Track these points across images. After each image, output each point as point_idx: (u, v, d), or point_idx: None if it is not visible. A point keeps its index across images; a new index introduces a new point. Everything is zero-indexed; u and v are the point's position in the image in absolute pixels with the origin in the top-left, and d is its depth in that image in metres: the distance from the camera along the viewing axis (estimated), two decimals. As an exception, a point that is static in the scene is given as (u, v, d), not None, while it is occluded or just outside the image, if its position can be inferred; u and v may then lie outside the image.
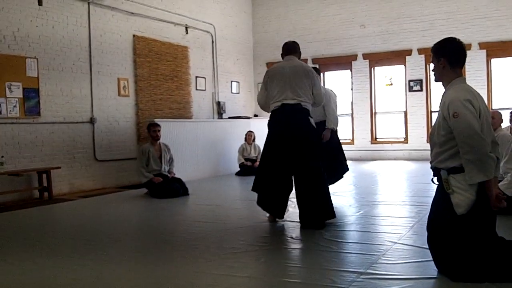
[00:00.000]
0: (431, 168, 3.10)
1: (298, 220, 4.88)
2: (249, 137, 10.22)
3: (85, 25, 8.55)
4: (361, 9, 12.37)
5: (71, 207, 6.68)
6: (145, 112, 9.63)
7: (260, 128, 9.47)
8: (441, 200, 2.95)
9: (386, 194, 6.91)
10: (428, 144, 3.27)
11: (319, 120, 6.75)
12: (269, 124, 4.99)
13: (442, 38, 3.20)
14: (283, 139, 4.81)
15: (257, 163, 9.87)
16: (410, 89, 11.91)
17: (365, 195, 6.78)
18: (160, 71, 10.12)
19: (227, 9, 12.56)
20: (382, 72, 12.51)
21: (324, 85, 6.98)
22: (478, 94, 3.00)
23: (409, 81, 11.91)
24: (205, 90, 11.59)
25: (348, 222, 5.05)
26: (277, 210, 4.97)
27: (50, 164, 7.83)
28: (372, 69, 12.45)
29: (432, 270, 3.13)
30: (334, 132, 6.75)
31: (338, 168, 6.90)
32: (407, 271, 3.23)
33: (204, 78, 11.57)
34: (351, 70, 12.65)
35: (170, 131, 8.82)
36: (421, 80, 11.78)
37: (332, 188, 6.98)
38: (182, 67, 10.79)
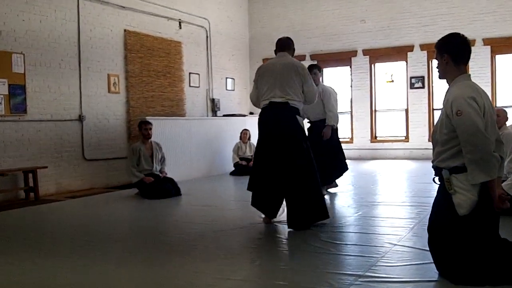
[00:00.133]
0: (432, 167, 3.09)
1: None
2: (244, 135, 10.21)
3: (74, 19, 8.51)
4: (361, 4, 12.37)
5: (58, 208, 6.65)
6: (136, 109, 9.60)
7: (256, 126, 9.42)
8: (443, 200, 2.95)
9: (385, 194, 6.92)
10: (430, 143, 3.27)
11: (319, 118, 6.76)
12: (258, 123, 5.06)
13: (445, 33, 3.19)
14: (271, 137, 4.86)
15: (252, 162, 9.88)
16: (412, 86, 11.92)
17: (364, 195, 6.78)
18: (152, 67, 10.09)
19: (222, 3, 12.54)
20: (382, 69, 12.52)
21: (323, 82, 6.96)
22: (483, 91, 3.00)
23: (411, 78, 11.92)
24: (199, 87, 11.56)
25: (346, 223, 5.04)
26: (270, 209, 4.99)
27: (36, 163, 7.79)
28: (373, 65, 12.45)
29: (432, 272, 3.12)
30: (334, 130, 6.76)
31: (337, 167, 6.92)
32: (407, 274, 3.22)
33: (198, 74, 11.55)
34: (350, 67, 12.65)
35: (162, 129, 8.79)
36: (423, 77, 11.80)
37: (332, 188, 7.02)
38: (175, 63, 10.77)
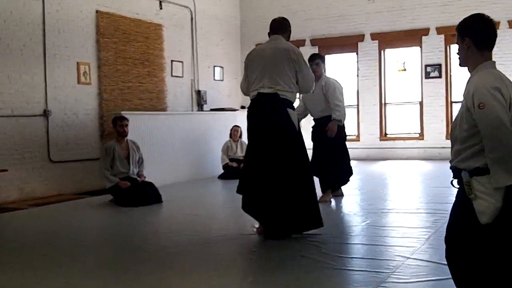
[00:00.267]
0: (450, 168, 3.09)
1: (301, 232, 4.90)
2: (235, 133, 10.19)
3: (37, -1, 8.46)
4: (369, -19, 12.41)
5: (20, 217, 6.61)
6: (110, 103, 9.56)
7: (248, 122, 9.45)
8: (462, 207, 2.94)
9: (397, 200, 6.93)
10: (448, 141, 3.27)
11: (322, 116, 6.74)
12: (246, 117, 5.09)
13: (465, 15, 3.18)
14: (259, 134, 4.88)
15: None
16: (427, 75, 11.95)
17: (373, 201, 6.78)
18: (129, 54, 10.05)
19: (209, -20, 12.52)
20: (393, 56, 12.53)
21: (325, 72, 6.94)
22: (509, 81, 2.99)
23: (426, 66, 11.95)
24: (182, 76, 11.53)
25: (351, 234, 5.04)
26: (262, 215, 4.96)
27: (-5, 165, 7.74)
28: (382, 51, 12.46)
29: (451, 290, 3.13)
30: (341, 127, 6.73)
31: (345, 170, 6.89)
32: (421, 292, 3.23)
33: (181, 62, 11.51)
34: (357, 53, 12.65)
35: (140, 126, 8.75)
36: (439, 65, 11.82)
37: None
38: (155, 49, 10.73)
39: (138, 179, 7.45)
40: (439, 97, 11.86)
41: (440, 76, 11.83)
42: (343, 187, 7.13)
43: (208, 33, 12.42)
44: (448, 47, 11.74)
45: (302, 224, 4.81)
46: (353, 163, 7.23)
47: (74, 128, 8.93)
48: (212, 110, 11.57)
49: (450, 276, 3.13)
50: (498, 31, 3.14)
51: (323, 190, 6.82)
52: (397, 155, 12.24)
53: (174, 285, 3.53)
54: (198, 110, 11.80)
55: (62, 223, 6.17)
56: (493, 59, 2.99)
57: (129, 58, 10.07)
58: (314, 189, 4.95)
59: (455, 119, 3.06)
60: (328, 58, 12.79)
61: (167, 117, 9.61)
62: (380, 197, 7.20)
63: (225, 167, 9.93)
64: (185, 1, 11.64)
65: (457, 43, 3.07)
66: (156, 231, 5.54)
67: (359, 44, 12.57)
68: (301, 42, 12.66)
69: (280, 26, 5.14)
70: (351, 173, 7.05)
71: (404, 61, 12.44)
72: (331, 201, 6.66)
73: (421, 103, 12.14)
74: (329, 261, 3.99)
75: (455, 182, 3.05)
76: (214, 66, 12.67)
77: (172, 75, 11.21)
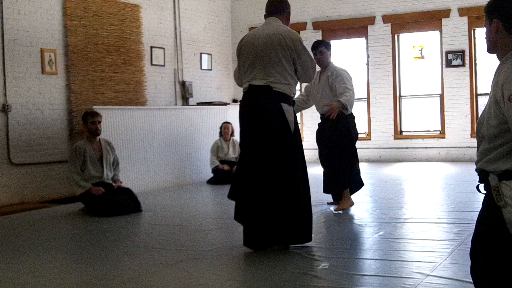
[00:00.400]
0: (476, 171, 3.09)
1: (287, 245, 4.94)
2: (226, 130, 10.19)
3: (-6, -25, 8.44)
4: (380, -46, 12.45)
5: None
6: (81, 96, 9.55)
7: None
8: (490, 216, 2.94)
9: (414, 208, 6.94)
10: (474, 140, 3.27)
11: (327, 111, 6.71)
12: (238, 113, 5.11)
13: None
14: (249, 132, 4.94)
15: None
16: (448, 63, 11.99)
17: (386, 210, 6.79)
18: (101, 40, 10.03)
19: (195, -47, 12.52)
20: (409, 41, 12.56)
21: (330, 59, 6.91)
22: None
23: (447, 53, 11.99)
24: (164, 65, 11.52)
25: (362, 247, 5.04)
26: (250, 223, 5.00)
27: None
28: (396, 36, 12.49)
29: (477, 312, 3.14)
30: (349, 126, 6.70)
31: (357, 175, 6.89)
32: (443, 315, 3.24)
33: (163, 49, 11.50)
34: (366, 39, 12.68)
35: (115, 123, 8.76)
36: (463, 52, 11.86)
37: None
38: (132, 33, 10.71)
39: (114, 184, 7.45)
40: (462, 88, 11.90)
41: (463, 65, 11.87)
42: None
43: (193, 15, 12.41)
44: (472, 31, 11.78)
45: (286, 235, 4.86)
46: (363, 166, 7.26)
47: (39, 125, 8.91)
48: (199, 104, 11.56)
49: (476, 296, 3.15)
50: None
51: (337, 197, 6.90)
52: (415, 156, 12.27)
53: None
54: (183, 105, 11.80)
55: (22, 237, 6.14)
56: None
57: (102, 44, 10.05)
58: (307, 198, 4.99)
59: (481, 114, 3.07)
60: (333, 44, 12.82)
61: (146, 113, 9.60)
62: (395, 205, 7.20)
63: (215, 170, 9.93)
64: (167, -23, 11.65)
65: (484, 25, 3.07)
66: (134, 245, 5.52)
67: (369, 27, 12.60)
68: (302, 26, 12.68)
69: (276, 7, 5.14)
70: (361, 184, 7.03)
71: (421, 47, 12.47)
72: (352, 205, 6.68)
73: (441, 96, 12.18)
74: (337, 279, 3.99)
75: (481, 187, 3.06)
76: (201, 53, 12.66)
77: (152, 64, 11.20)
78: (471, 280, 3.17)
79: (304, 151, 5.21)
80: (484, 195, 3.05)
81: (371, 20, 12.57)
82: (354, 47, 13.01)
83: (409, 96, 12.64)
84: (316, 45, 6.81)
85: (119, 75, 10.39)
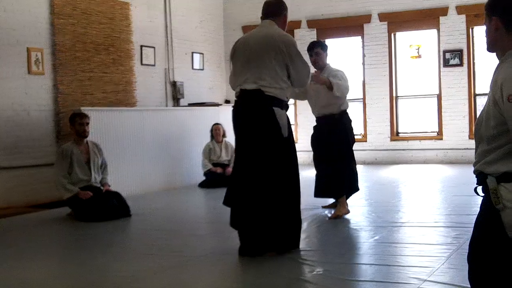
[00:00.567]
0: (474, 173, 3.10)
1: (281, 251, 4.93)
2: (217, 132, 10.17)
3: (-22, -28, 8.42)
4: (376, -50, 12.47)
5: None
6: (68, 97, 9.52)
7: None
8: (488, 219, 2.95)
9: (411, 212, 6.95)
10: (472, 141, 3.28)
11: (325, 113, 6.69)
12: (232, 117, 5.14)
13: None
14: (241, 137, 4.97)
15: (229, 169, 9.87)
16: (446, 63, 12.01)
17: (383, 213, 6.79)
18: (90, 38, 10.01)
19: (186, -50, 12.52)
20: (406, 40, 12.58)
21: (326, 61, 6.89)
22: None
23: (444, 52, 12.01)
24: (154, 65, 11.50)
25: (358, 252, 5.04)
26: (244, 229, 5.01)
27: None
28: (392, 35, 12.51)
29: (476, 318, 3.14)
30: (347, 129, 6.68)
31: (354, 178, 6.88)
32: (441, 321, 3.24)
33: (153, 48, 11.49)
34: (362, 37, 12.70)
35: (104, 125, 8.74)
36: (460, 51, 11.89)
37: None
38: (121, 32, 10.69)
39: (102, 188, 7.43)
40: (460, 88, 11.93)
41: (461, 64, 11.90)
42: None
43: (185, 13, 12.40)
44: (470, 30, 11.81)
45: (275, 241, 4.88)
46: (359, 168, 7.23)
47: (25, 127, 8.88)
48: (190, 105, 11.54)
49: (475, 302, 3.15)
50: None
51: (333, 203, 6.90)
52: (411, 158, 12.29)
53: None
54: (174, 106, 11.78)
55: (8, 243, 6.11)
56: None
57: (90, 43, 10.02)
58: (297, 205, 5.00)
59: (480, 115, 3.07)
60: (328, 43, 12.84)
61: (136, 114, 9.58)
62: (391, 208, 7.21)
63: (207, 173, 9.91)
64: (158, -26, 11.64)
65: (484, 24, 3.08)
66: (124, 251, 5.51)
67: (365, 26, 12.61)
68: (296, 24, 12.69)
69: (273, 10, 5.14)
70: (355, 188, 7.02)
71: (418, 47, 12.49)
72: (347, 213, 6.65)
73: (439, 96, 12.20)
74: (332, 285, 3.99)
75: (479, 189, 3.06)
76: (193, 53, 12.65)
77: (142, 64, 11.18)
78: (469, 285, 3.18)
79: (298, 153, 5.22)
80: (482, 197, 3.05)
81: (367, 18, 12.58)
82: (350, 46, 13.02)
83: (406, 96, 12.66)
84: (312, 46, 6.78)
85: (108, 75, 10.37)
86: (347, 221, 6.41)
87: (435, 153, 12.15)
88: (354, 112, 12.08)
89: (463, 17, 11.84)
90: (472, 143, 3.25)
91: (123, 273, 4.60)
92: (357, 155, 7.47)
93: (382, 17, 12.46)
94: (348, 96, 6.87)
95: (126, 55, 10.80)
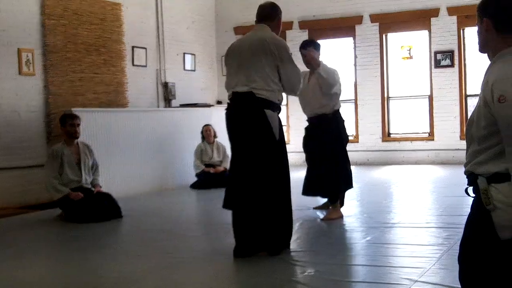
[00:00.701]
0: (465, 173, 3.10)
1: (272, 252, 4.93)
2: (208, 133, 10.15)
3: (-31, -28, 8.39)
4: (368, -48, 12.49)
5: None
6: (59, 98, 9.49)
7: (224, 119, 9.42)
8: (478, 219, 2.96)
9: (403, 212, 6.96)
10: (463, 142, 3.29)
11: (318, 113, 6.67)
12: (225, 120, 5.16)
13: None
14: (235, 138, 4.99)
15: (221, 168, 9.88)
16: (437, 64, 12.04)
17: (374, 214, 6.80)
18: (81, 39, 9.98)
19: (178, -49, 12.51)
20: (397, 41, 12.61)
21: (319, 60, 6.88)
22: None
23: (436, 53, 12.04)
24: (146, 66, 11.48)
25: (349, 253, 5.05)
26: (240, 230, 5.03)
27: None
28: (384, 36, 12.53)
29: (467, 319, 3.14)
30: (339, 128, 6.68)
31: (348, 177, 6.86)
32: (432, 322, 3.24)
33: (145, 49, 11.47)
34: (354, 38, 12.71)
35: (95, 126, 8.72)
36: (452, 52, 11.91)
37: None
38: (113, 33, 10.67)
39: (93, 189, 7.41)
40: (451, 89, 11.96)
41: (452, 65, 11.92)
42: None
43: (176, 14, 12.39)
44: (461, 31, 11.84)
45: (266, 242, 4.91)
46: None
47: (15, 128, 8.84)
48: (182, 106, 11.53)
49: (465, 302, 3.16)
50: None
51: (324, 203, 6.90)
52: (403, 159, 12.31)
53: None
54: (165, 106, 11.76)
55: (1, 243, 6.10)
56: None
57: (82, 43, 10.00)
58: (288, 206, 5.03)
59: (471, 116, 3.08)
60: (320, 45, 12.84)
61: (127, 115, 9.56)
62: (383, 209, 7.22)
63: (199, 174, 9.89)
64: (149, -25, 11.63)
65: (476, 24, 3.09)
66: (115, 252, 5.49)
67: (357, 27, 12.63)
68: (288, 25, 12.68)
69: (267, 14, 5.18)
70: (350, 185, 6.97)
71: (410, 48, 12.52)
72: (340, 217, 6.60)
73: (430, 97, 12.23)
74: (323, 286, 4.00)
75: (470, 190, 3.07)
76: (184, 54, 12.63)
77: (133, 64, 11.16)
78: (460, 286, 3.19)
79: (290, 154, 5.23)
80: (473, 198, 3.06)
81: (358, 19, 12.60)
82: (342, 47, 13.02)
83: (397, 97, 12.68)
84: (305, 45, 6.76)
85: (99, 76, 10.34)
86: (339, 222, 6.41)
87: (426, 154, 12.18)
88: (345, 113, 12.08)
89: (454, 18, 11.87)
90: (463, 144, 3.24)
91: (115, 274, 4.59)
92: (349, 156, 7.46)
93: (374, 18, 12.48)
94: (340, 97, 6.86)
95: (118, 56, 10.77)
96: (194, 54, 12.92)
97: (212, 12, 13.65)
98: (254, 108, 4.88)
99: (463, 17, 11.62)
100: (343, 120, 6.88)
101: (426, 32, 12.20)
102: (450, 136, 11.94)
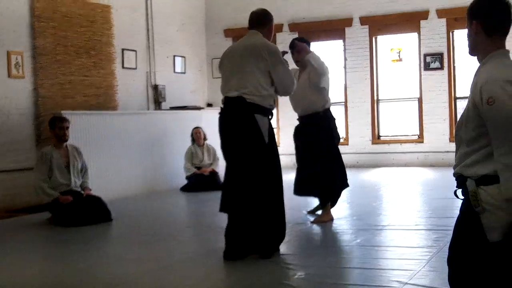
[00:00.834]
0: (454, 175, 3.11)
1: (263, 255, 4.94)
2: (198, 135, 10.14)
3: (-43, -26, 8.35)
4: (358, -45, 12.51)
5: None
6: (49, 100, 9.45)
7: (216, 122, 9.39)
8: (467, 222, 2.96)
9: (393, 215, 6.98)
10: (452, 144, 3.30)
11: (309, 112, 6.64)
12: (218, 124, 5.20)
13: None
14: (227, 143, 5.03)
15: (211, 169, 9.87)
16: (426, 66, 12.08)
17: (364, 216, 6.81)
18: (71, 41, 9.95)
19: (167, -47, 12.50)
20: (387, 44, 12.64)
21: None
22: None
23: (425, 55, 12.08)
24: (135, 68, 11.46)
25: (339, 256, 5.06)
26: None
27: None
28: (374, 38, 12.56)
29: (456, 320, 3.15)
30: (330, 127, 6.66)
31: (343, 178, 6.84)
32: (421, 324, 3.25)
33: (135, 51, 11.45)
34: (343, 41, 12.73)
35: (85, 128, 8.69)
36: (441, 54, 11.96)
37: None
38: (103, 35, 10.64)
39: (83, 192, 7.38)
40: (441, 92, 12.00)
41: (441, 68, 11.97)
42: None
43: (166, 17, 12.37)
44: (451, 33, 11.89)
45: (256, 245, 4.92)
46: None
47: (5, 131, 8.81)
48: (172, 108, 11.51)
49: (455, 304, 3.17)
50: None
51: (317, 206, 6.87)
52: (393, 161, 12.34)
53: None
54: (155, 109, 11.74)
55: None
56: (507, 47, 3.01)
57: (71, 46, 9.97)
58: (280, 209, 5.05)
59: (460, 118, 3.09)
60: (310, 47, 12.85)
61: (117, 118, 9.54)
62: (372, 211, 7.24)
63: (190, 177, 9.87)
64: (139, -22, 11.61)
65: (466, 27, 3.10)
66: (105, 256, 5.48)
67: (346, 29, 12.65)
68: (278, 28, 12.68)
69: (258, 20, 5.24)
70: (346, 184, 6.95)
71: (399, 50, 12.55)
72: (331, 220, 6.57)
73: (419, 100, 12.27)
74: (313, 289, 4.00)
75: (459, 192, 3.08)
76: (174, 56, 12.62)
77: (123, 67, 11.13)
78: (449, 287, 3.20)
79: (281, 156, 5.22)
80: (462, 200, 3.07)
81: (348, 22, 12.62)
82: (331, 50, 13.04)
83: (387, 100, 12.71)
84: (293, 44, 6.82)
85: (89, 79, 10.31)
86: (329, 224, 6.41)
87: (416, 156, 12.21)
88: (335, 115, 12.11)
89: (443, 21, 11.92)
90: (452, 146, 3.25)
91: (105, 278, 4.58)
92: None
93: (364, 20, 12.51)
94: (329, 94, 6.79)
95: (107, 59, 10.75)
96: (184, 57, 12.91)
97: (202, 14, 13.64)
98: (244, 113, 4.92)
99: (452, 19, 11.67)
100: (334, 119, 6.86)
101: (415, 34, 12.24)
102: (440, 138, 11.97)
